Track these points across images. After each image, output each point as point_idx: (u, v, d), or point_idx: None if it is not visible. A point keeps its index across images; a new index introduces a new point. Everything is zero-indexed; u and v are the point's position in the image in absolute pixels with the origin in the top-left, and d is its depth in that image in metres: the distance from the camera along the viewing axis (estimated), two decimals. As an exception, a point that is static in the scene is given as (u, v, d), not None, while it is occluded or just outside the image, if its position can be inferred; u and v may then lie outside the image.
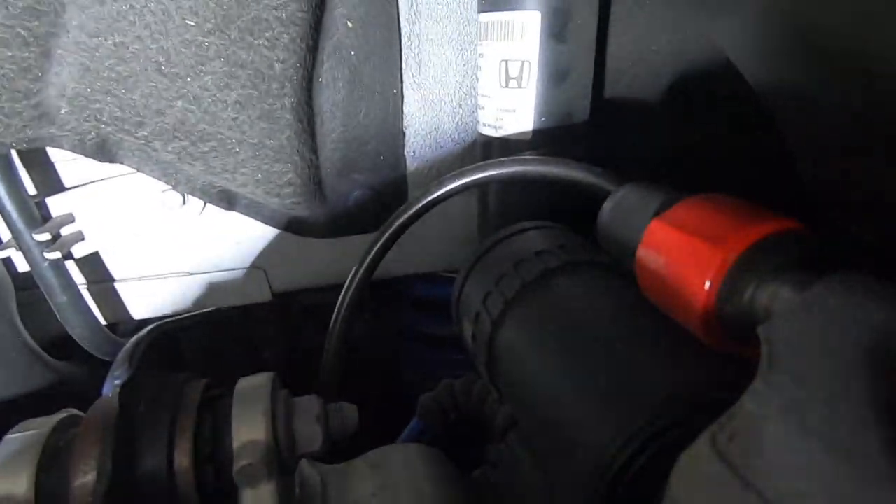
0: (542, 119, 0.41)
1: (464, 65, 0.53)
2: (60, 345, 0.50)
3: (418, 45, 0.51)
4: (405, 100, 0.52)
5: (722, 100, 0.41)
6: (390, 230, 0.33)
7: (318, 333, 0.66)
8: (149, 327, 0.28)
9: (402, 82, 0.51)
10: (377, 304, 0.69)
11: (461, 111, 0.54)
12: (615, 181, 0.25)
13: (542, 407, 0.21)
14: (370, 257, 0.34)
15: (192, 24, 0.36)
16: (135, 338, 0.26)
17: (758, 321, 0.15)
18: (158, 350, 0.27)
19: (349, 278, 0.36)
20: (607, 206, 0.22)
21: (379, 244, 0.34)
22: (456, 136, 0.55)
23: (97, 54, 0.35)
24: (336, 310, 0.36)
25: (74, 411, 0.29)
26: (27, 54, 0.33)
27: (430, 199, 0.33)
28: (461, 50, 0.52)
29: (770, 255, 0.15)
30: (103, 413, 0.23)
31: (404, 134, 0.53)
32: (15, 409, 0.44)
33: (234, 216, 0.51)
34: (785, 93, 0.29)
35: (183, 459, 0.25)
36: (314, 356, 0.66)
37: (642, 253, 0.19)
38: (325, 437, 0.28)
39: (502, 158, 0.32)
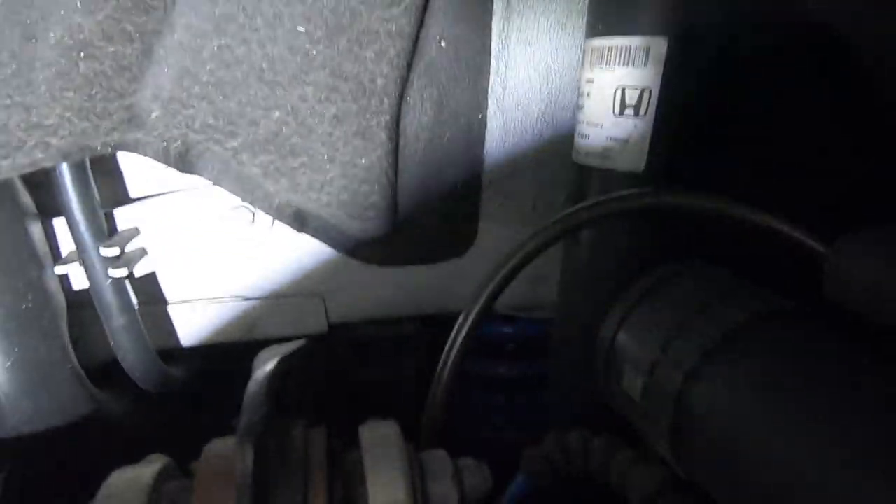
0: (657, 150, 0.38)
1: (549, 93, 0.51)
2: (99, 372, 0.46)
3: (505, 70, 0.49)
4: (487, 127, 0.50)
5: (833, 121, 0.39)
6: (526, 251, 0.29)
7: (370, 370, 0.62)
8: (274, 362, 0.24)
9: (486, 108, 0.49)
10: (426, 339, 0.65)
11: (542, 141, 0.52)
12: (821, 238, 0.22)
13: (786, 489, 0.17)
14: (493, 286, 0.30)
15: (303, 30, 0.34)
16: (262, 374, 0.22)
17: None
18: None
19: (464, 313, 0.32)
20: (850, 249, 0.19)
21: (508, 268, 0.30)
22: (535, 168, 0.53)
23: (200, 56, 0.32)
24: (445, 352, 0.32)
25: (165, 458, 0.24)
26: (129, 51, 0.30)
27: (579, 220, 0.29)
28: (547, 78, 0.50)
29: None
30: (229, 466, 0.19)
31: (484, 161, 0.51)
32: (51, 442, 0.39)
33: (298, 239, 0.47)
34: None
35: (318, 527, 0.20)
36: (360, 393, 0.61)
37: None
38: (460, 501, 0.24)
39: (681, 190, 0.29)
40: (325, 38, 0.34)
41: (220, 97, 0.34)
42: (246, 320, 0.49)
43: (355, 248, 0.49)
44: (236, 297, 0.49)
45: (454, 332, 0.32)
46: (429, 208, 0.50)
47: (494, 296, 0.32)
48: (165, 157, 0.35)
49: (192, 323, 0.48)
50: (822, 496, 0.16)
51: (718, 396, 0.20)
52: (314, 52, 0.34)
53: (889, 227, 0.19)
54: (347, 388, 0.59)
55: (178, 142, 0.35)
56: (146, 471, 0.22)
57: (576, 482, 0.35)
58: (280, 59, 0.34)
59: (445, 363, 0.32)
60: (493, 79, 0.49)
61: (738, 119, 0.44)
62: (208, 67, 0.33)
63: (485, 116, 0.49)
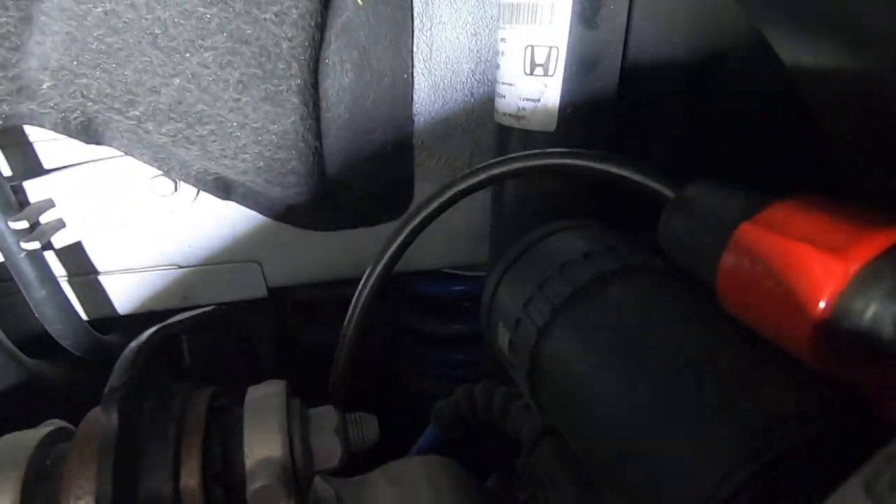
0: (568, 110, 0.39)
1: (477, 51, 0.50)
2: (37, 342, 0.46)
3: (430, 29, 0.48)
4: (415, 86, 0.49)
5: (747, 89, 0.39)
6: (419, 218, 0.30)
7: (314, 332, 0.63)
8: (153, 329, 0.25)
9: (412, 67, 0.48)
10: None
11: (473, 100, 0.52)
12: (672, 183, 0.23)
13: (603, 429, 0.19)
14: (391, 251, 0.31)
15: (193, -8, 0.33)
16: (137, 341, 0.23)
17: (881, 343, 0.13)
18: (160, 355, 0.24)
19: (365, 275, 0.33)
20: (674, 207, 0.20)
21: (403, 235, 0.31)
22: (467, 127, 0.52)
23: (85, 23, 0.32)
24: (350, 309, 0.33)
25: (62, 423, 0.26)
26: (5, 19, 0.29)
27: (465, 185, 0.30)
28: (475, 35, 0.49)
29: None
30: (100, 428, 0.21)
31: (413, 122, 0.50)
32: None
33: (228, 206, 0.47)
34: (824, 78, 0.28)
35: (190, 479, 0.22)
36: (311, 355, 0.63)
37: (729, 261, 0.17)
38: (343, 452, 0.26)
39: (547, 150, 0.29)
40: (219, 0, 0.34)
41: (114, 65, 0.33)
42: (181, 288, 0.50)
43: (285, 214, 0.50)
44: (169, 265, 0.49)
45: (358, 290, 0.33)
46: (359, 172, 0.50)
47: (394, 259, 0.33)
48: (66, 129, 0.35)
49: (127, 292, 0.49)
50: (633, 435, 0.18)
51: (558, 352, 0.21)
52: (209, 16, 0.34)
53: (726, 185, 0.20)
54: (294, 350, 0.61)
55: (77, 112, 0.35)
56: (36, 434, 0.24)
57: (486, 432, 0.37)
58: (172, 23, 0.33)
59: (350, 321, 0.33)
60: (419, 38, 0.48)
61: (661, 89, 0.43)
62: (96, 34, 0.32)
63: (410, 76, 0.49)
